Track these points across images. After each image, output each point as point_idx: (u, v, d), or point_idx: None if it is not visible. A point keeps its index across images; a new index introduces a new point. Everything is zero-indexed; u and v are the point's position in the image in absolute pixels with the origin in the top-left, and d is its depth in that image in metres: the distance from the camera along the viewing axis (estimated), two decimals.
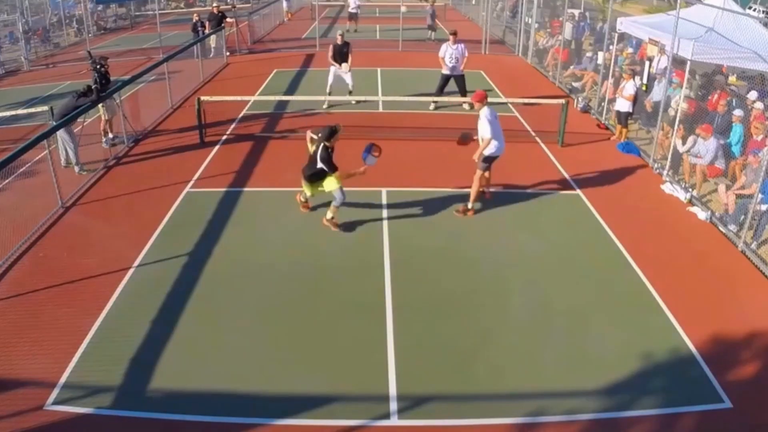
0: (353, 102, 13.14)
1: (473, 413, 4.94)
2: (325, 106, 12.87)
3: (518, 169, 9.67)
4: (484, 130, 7.90)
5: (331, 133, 7.43)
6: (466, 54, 12.77)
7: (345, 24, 24.14)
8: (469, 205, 8.25)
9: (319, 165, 7.40)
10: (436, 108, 12.87)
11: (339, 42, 12.87)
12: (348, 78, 12.95)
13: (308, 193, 7.94)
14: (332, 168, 7.41)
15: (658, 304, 6.40)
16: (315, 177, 7.67)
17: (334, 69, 12.90)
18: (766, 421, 4.92)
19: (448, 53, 12.65)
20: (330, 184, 7.63)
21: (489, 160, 8.16)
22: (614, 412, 4.98)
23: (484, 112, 7.92)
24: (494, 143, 7.97)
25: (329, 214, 7.74)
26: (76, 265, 6.99)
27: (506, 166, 9.99)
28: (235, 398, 5.05)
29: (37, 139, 8.16)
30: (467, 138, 8.29)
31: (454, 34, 12.77)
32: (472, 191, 8.18)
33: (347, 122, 11.95)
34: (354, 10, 23.74)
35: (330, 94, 12.88)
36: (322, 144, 7.39)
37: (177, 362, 5.47)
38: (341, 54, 12.86)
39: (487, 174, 8.42)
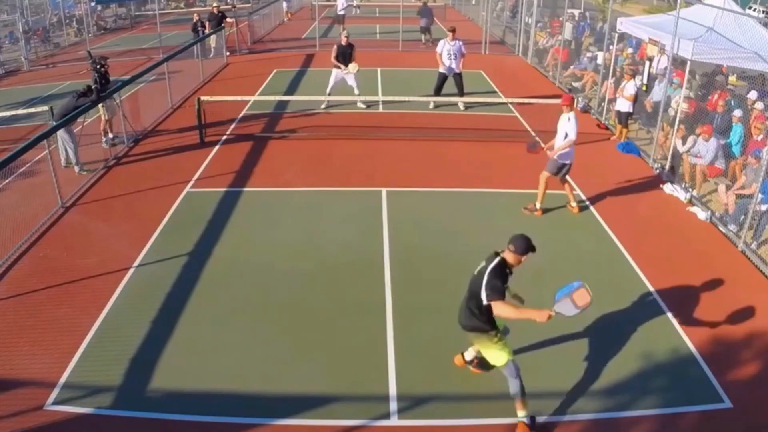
0: (363, 106, 13.03)
1: (473, 413, 4.94)
2: (323, 107, 12.84)
3: (518, 168, 9.67)
4: (572, 131, 7.95)
5: (527, 246, 4.64)
6: (464, 51, 12.76)
7: (332, 25, 23.90)
8: (537, 205, 8.30)
9: (484, 294, 4.57)
10: (435, 107, 12.85)
11: (344, 43, 12.69)
12: (352, 80, 12.74)
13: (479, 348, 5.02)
14: (497, 294, 4.53)
15: (659, 304, 6.40)
16: (479, 323, 4.75)
17: (336, 71, 12.74)
18: (766, 421, 4.92)
19: (446, 49, 12.66)
20: (492, 353, 4.80)
21: (561, 167, 8.18)
22: (614, 412, 4.98)
23: (572, 115, 8.02)
24: (570, 149, 8.07)
25: (519, 411, 4.75)
26: (75, 265, 6.99)
27: (506, 165, 10.02)
28: (234, 398, 5.05)
29: (37, 139, 8.17)
30: (536, 146, 8.35)
31: (453, 30, 12.76)
32: (539, 192, 8.24)
33: (347, 122, 12.04)
34: (342, 12, 23.36)
35: (329, 95, 12.81)
36: (499, 258, 4.68)
37: (177, 362, 5.47)
38: (345, 55, 12.64)
39: (567, 186, 8.44)
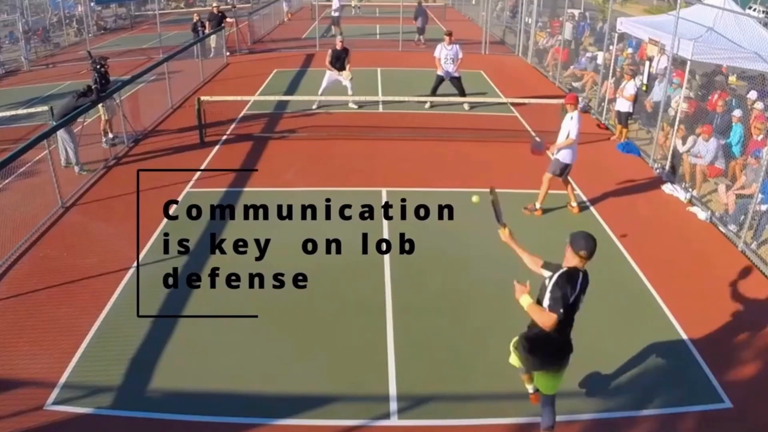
0: (355, 106, 13.03)
1: (473, 413, 4.94)
2: (314, 107, 12.87)
3: (518, 168, 9.68)
4: (574, 130, 7.94)
5: (594, 248, 4.33)
6: (461, 55, 12.74)
7: (329, 26, 23.82)
8: (537, 205, 8.29)
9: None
10: (432, 107, 12.86)
11: (338, 47, 12.73)
12: (346, 81, 12.80)
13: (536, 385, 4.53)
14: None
15: (658, 304, 6.40)
16: (546, 349, 4.21)
17: (330, 73, 12.77)
18: (766, 421, 4.92)
19: (443, 54, 12.66)
20: (545, 381, 4.36)
21: (563, 167, 8.16)
22: (614, 412, 4.98)
23: (575, 114, 8.00)
24: (571, 149, 8.06)
25: None
26: (75, 265, 6.99)
27: (506, 165, 10.02)
28: (234, 398, 5.05)
29: (37, 139, 8.17)
30: (540, 147, 8.31)
31: (449, 34, 12.75)
32: (541, 192, 8.23)
33: (347, 122, 12.05)
34: (336, 13, 23.16)
35: (321, 94, 12.83)
36: (578, 272, 4.27)
37: (177, 362, 5.47)
38: (339, 59, 12.72)
39: (568, 186, 8.44)
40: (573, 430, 4.82)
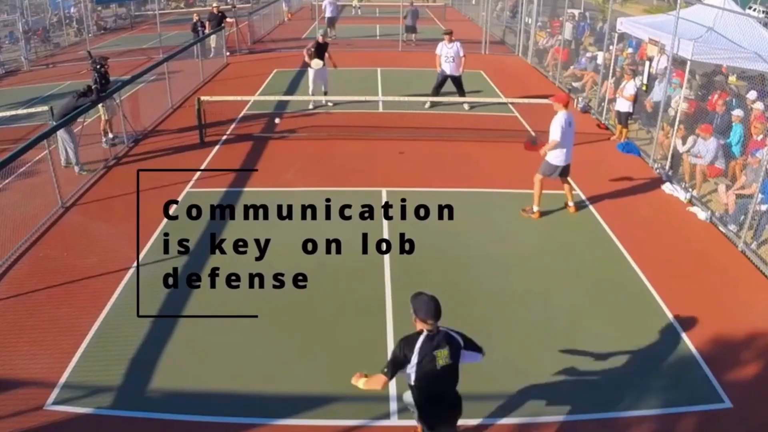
0: (331, 104, 13.04)
1: (473, 413, 4.93)
2: (310, 107, 12.91)
3: (518, 168, 9.67)
4: (554, 131, 7.83)
5: (437, 309, 4.32)
6: (462, 54, 12.72)
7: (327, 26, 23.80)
8: (534, 208, 8.22)
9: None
10: (432, 106, 12.87)
11: (320, 41, 12.80)
12: (325, 78, 12.91)
13: None
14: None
15: (658, 304, 6.40)
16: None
17: (311, 71, 12.84)
18: (766, 421, 4.92)
19: (444, 51, 12.68)
20: None
21: (553, 169, 8.08)
22: (614, 412, 4.98)
23: (561, 115, 7.85)
24: (559, 151, 7.93)
25: None
26: (75, 265, 6.99)
27: (506, 165, 10.02)
28: (234, 398, 5.05)
29: (37, 139, 8.17)
30: (536, 142, 8.19)
31: (449, 33, 12.75)
32: (534, 194, 8.17)
33: (347, 122, 12.05)
34: (330, 15, 23.08)
35: (313, 94, 12.90)
36: (418, 335, 4.22)
37: (177, 362, 5.47)
38: (318, 50, 12.75)
39: (566, 185, 8.39)
40: (573, 430, 4.82)
